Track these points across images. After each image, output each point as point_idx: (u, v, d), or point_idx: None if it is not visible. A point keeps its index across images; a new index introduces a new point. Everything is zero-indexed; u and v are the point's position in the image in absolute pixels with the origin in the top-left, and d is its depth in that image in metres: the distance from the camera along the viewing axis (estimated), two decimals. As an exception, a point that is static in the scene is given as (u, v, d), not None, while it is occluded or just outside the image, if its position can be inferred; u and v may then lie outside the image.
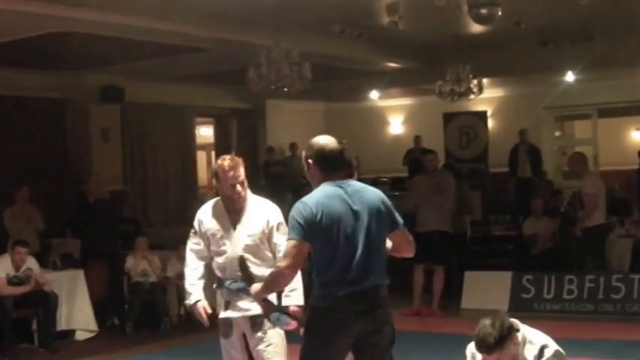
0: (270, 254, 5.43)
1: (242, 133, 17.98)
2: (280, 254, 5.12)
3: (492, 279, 12.16)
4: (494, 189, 16.90)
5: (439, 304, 11.75)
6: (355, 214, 4.68)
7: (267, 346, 5.40)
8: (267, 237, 5.44)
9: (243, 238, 5.40)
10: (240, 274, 5.34)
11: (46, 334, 10.23)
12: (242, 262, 5.34)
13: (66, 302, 10.74)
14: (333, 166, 4.78)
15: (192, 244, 5.60)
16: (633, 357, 8.87)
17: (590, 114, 18.36)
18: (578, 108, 18.47)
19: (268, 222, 5.44)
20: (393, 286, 14.10)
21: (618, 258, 12.25)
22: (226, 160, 5.42)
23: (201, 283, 5.58)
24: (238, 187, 5.39)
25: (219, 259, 5.45)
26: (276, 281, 4.77)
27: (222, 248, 5.43)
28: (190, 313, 5.55)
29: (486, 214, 15.88)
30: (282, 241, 5.16)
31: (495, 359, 4.92)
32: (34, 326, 10.32)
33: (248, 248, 5.38)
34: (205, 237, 5.52)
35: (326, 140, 4.84)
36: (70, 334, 10.89)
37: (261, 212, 5.48)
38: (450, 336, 9.73)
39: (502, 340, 4.85)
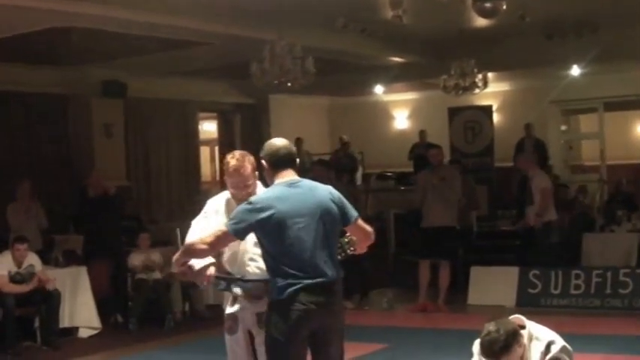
0: None
1: (246, 129, 17.88)
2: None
3: (499, 274, 12.05)
4: (500, 184, 16.81)
5: (445, 299, 11.67)
6: (306, 211, 4.89)
7: None
8: None
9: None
10: (248, 269, 5.25)
11: (49, 332, 10.16)
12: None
13: (69, 299, 10.67)
14: (283, 164, 5.03)
15: (202, 226, 5.37)
16: (641, 353, 8.80)
17: (597, 108, 18.22)
18: (584, 102, 18.33)
19: None
20: (398, 282, 14.03)
21: (625, 253, 12.15)
22: (233, 160, 5.27)
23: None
24: (241, 192, 5.25)
25: (228, 253, 5.35)
26: (191, 252, 5.02)
27: (232, 243, 5.28)
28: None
29: (492, 209, 15.79)
30: None
31: None
32: (37, 324, 10.24)
33: (258, 243, 5.21)
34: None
35: (276, 141, 5.12)
36: (73, 331, 10.82)
37: None
38: (457, 332, 9.67)
39: (508, 345, 4.84)
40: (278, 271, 4.85)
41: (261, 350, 5.28)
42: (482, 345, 4.90)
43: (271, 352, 4.89)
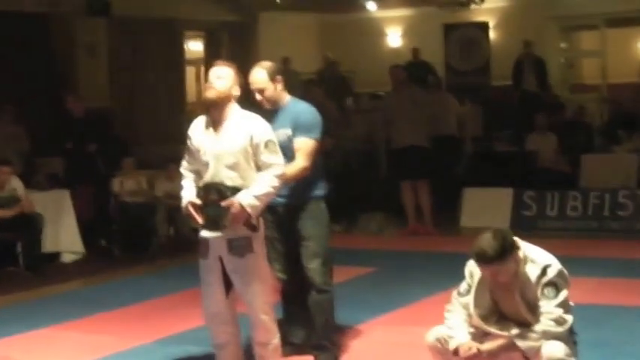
0: (254, 173, 5.13)
1: (233, 48, 17.50)
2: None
3: (493, 196, 11.85)
4: (496, 103, 16.48)
5: (432, 221, 11.49)
6: None
7: (245, 271, 5.17)
8: (252, 154, 5.11)
9: (224, 155, 5.09)
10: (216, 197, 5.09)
11: (32, 257, 9.94)
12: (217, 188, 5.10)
13: (51, 223, 10.42)
14: None
15: (186, 164, 5.36)
16: (638, 276, 8.55)
17: (597, 24, 17.80)
18: (584, 18, 17.91)
19: (252, 138, 5.11)
20: (389, 206, 13.57)
21: (625, 174, 11.84)
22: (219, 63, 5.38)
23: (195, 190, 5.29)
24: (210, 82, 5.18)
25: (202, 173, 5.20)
26: (297, 177, 5.58)
27: (205, 161, 5.15)
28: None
29: (488, 130, 15.48)
30: (273, 160, 5.10)
31: (492, 273, 4.64)
32: (19, 249, 10.02)
33: (231, 166, 5.08)
34: (195, 153, 5.23)
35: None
36: (56, 256, 10.62)
37: (243, 127, 5.13)
38: (447, 254, 9.49)
39: (503, 253, 4.57)
40: (321, 170, 5.85)
41: (234, 277, 5.18)
42: (475, 248, 4.64)
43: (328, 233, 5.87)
